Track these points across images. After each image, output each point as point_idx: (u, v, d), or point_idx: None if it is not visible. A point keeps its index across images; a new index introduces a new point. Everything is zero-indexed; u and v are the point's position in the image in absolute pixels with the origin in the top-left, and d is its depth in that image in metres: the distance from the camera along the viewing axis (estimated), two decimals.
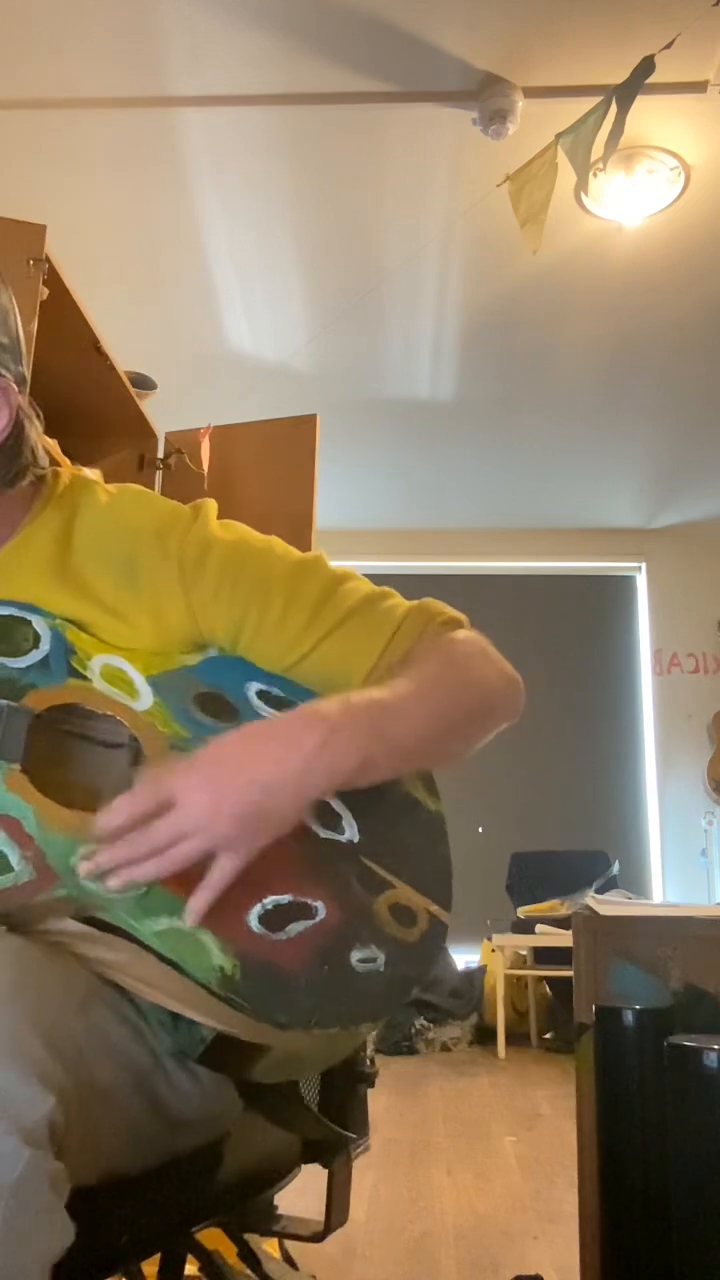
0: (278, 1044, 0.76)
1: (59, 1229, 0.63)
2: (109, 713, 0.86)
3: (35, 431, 0.97)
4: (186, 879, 0.76)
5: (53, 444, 2.06)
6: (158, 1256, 0.96)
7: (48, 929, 0.79)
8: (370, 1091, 1.03)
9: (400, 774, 0.88)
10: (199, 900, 0.75)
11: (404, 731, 0.84)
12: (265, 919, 0.77)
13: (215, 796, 0.76)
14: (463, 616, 0.97)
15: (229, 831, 0.76)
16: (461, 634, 0.94)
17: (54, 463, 1.03)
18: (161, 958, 0.74)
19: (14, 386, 0.93)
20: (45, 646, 0.87)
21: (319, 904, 0.79)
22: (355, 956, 0.77)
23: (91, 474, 1.08)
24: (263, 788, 0.77)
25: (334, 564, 0.97)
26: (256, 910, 0.77)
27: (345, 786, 0.81)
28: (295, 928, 0.77)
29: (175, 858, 0.75)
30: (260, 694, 0.91)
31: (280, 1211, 1.10)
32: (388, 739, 0.82)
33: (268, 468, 2.56)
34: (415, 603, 0.95)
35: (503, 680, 0.94)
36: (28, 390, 0.98)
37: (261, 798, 0.76)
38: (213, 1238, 1.08)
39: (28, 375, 0.98)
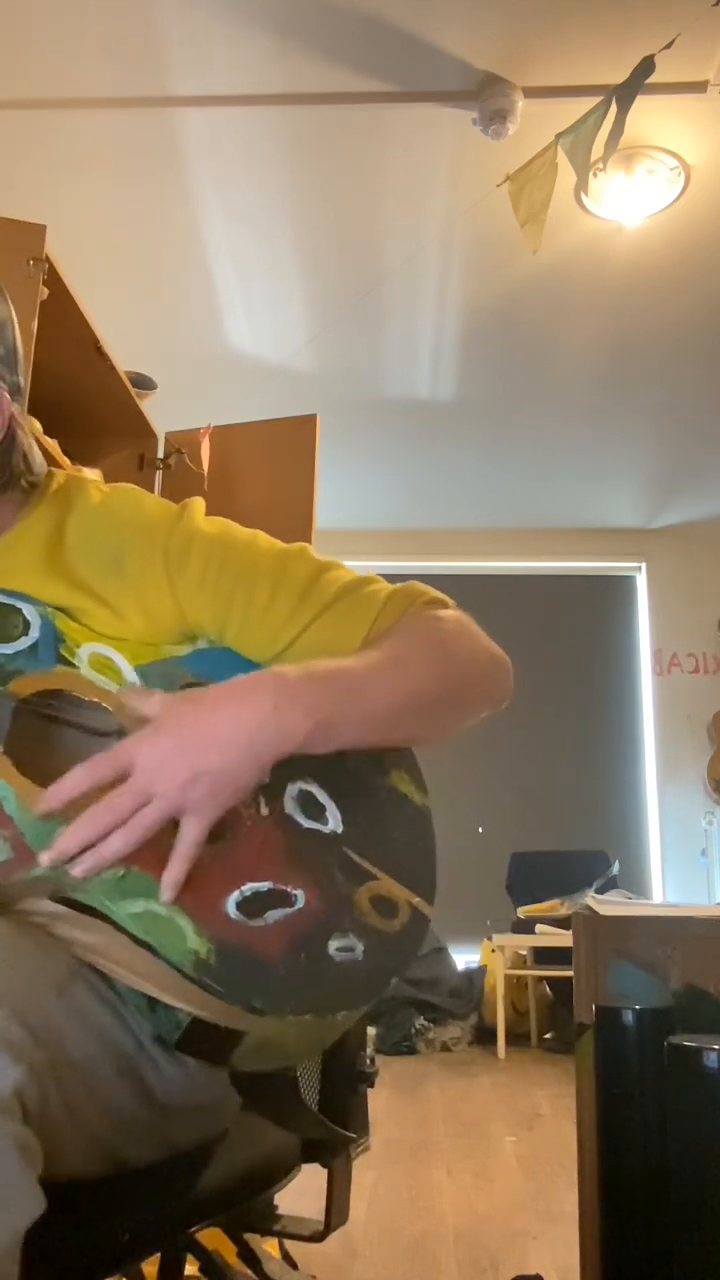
0: (253, 1030, 0.76)
1: (28, 1197, 0.63)
2: (95, 700, 0.87)
3: (29, 440, 0.98)
4: (163, 860, 0.76)
5: (53, 444, 2.06)
6: (158, 1256, 0.96)
7: (25, 909, 0.80)
8: (370, 1091, 1.03)
9: (371, 744, 0.87)
10: (173, 871, 0.75)
11: (372, 700, 0.84)
12: (243, 905, 0.77)
13: (172, 757, 0.76)
14: (448, 598, 0.97)
15: (189, 793, 0.76)
16: (445, 613, 0.94)
17: (54, 463, 1.04)
18: (136, 940, 0.74)
19: (7, 396, 0.95)
20: (35, 633, 0.88)
21: (298, 892, 0.79)
22: (334, 945, 0.77)
23: (91, 474, 1.09)
24: (219, 748, 0.77)
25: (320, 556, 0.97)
26: (234, 896, 0.77)
27: (304, 750, 0.80)
28: (273, 915, 0.77)
29: (139, 826, 0.75)
30: None
31: (280, 1211, 1.10)
32: (351, 706, 0.82)
33: (268, 468, 2.56)
34: (399, 585, 0.96)
35: (486, 659, 0.93)
36: (25, 401, 0.99)
37: (218, 757, 0.76)
38: (213, 1238, 1.08)
39: (24, 385, 1.00)
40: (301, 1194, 1.07)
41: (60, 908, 0.78)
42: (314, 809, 0.85)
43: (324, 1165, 1.00)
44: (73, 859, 0.75)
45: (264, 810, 0.83)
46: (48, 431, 2.08)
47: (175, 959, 0.73)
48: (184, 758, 0.76)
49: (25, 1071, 0.65)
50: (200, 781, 0.76)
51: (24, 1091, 0.64)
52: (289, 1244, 1.52)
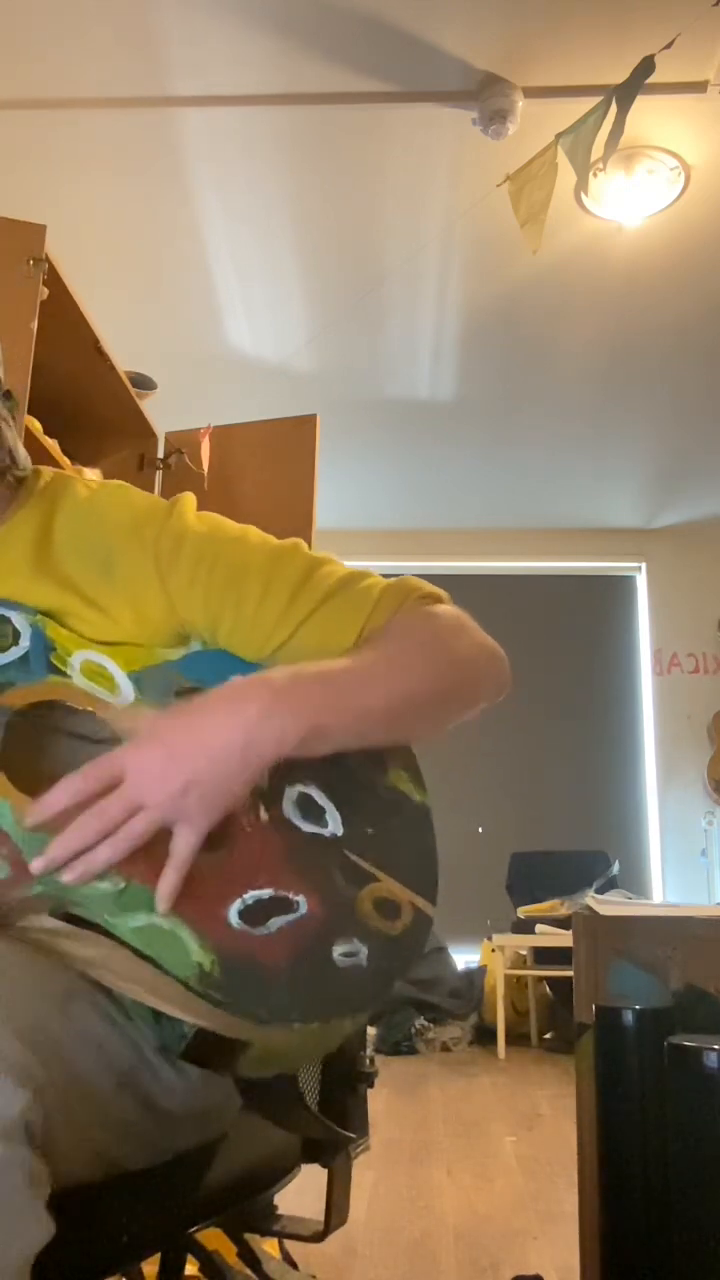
0: (258, 1039, 0.76)
1: (37, 1224, 0.63)
2: (89, 709, 0.86)
3: (12, 433, 0.96)
4: (161, 871, 0.75)
5: (53, 444, 2.06)
6: (158, 1256, 0.96)
7: (26, 926, 0.79)
8: (370, 1091, 1.03)
9: (367, 744, 0.86)
10: (166, 882, 0.75)
11: (365, 701, 0.83)
12: (245, 914, 0.76)
13: (163, 767, 0.76)
14: (443, 593, 0.96)
15: (180, 802, 0.75)
16: (440, 608, 0.93)
17: (54, 464, 1.03)
18: (139, 954, 0.73)
19: None
20: (25, 643, 0.86)
21: (300, 898, 0.79)
22: (337, 950, 0.77)
23: (92, 474, 1.08)
24: (209, 756, 0.76)
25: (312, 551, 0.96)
26: (236, 905, 0.77)
27: (298, 755, 0.80)
28: (276, 922, 0.77)
29: (129, 835, 0.75)
30: None
31: (280, 1211, 1.10)
32: (343, 708, 0.82)
33: (268, 468, 2.56)
34: (393, 580, 0.94)
35: (481, 653, 0.92)
36: (23, 398, 0.98)
37: (208, 766, 0.76)
38: (213, 1238, 1.08)
39: (3, 376, 0.98)
40: (301, 1194, 1.07)
41: (61, 923, 0.78)
42: (313, 811, 0.84)
43: (324, 1165, 1.00)
44: (63, 867, 0.74)
45: (263, 815, 0.82)
46: (48, 431, 2.08)
47: (179, 973, 0.72)
48: (174, 767, 0.76)
49: (31, 1095, 0.64)
50: (191, 791, 0.76)
51: (30, 1115, 0.64)
52: (289, 1244, 1.52)
